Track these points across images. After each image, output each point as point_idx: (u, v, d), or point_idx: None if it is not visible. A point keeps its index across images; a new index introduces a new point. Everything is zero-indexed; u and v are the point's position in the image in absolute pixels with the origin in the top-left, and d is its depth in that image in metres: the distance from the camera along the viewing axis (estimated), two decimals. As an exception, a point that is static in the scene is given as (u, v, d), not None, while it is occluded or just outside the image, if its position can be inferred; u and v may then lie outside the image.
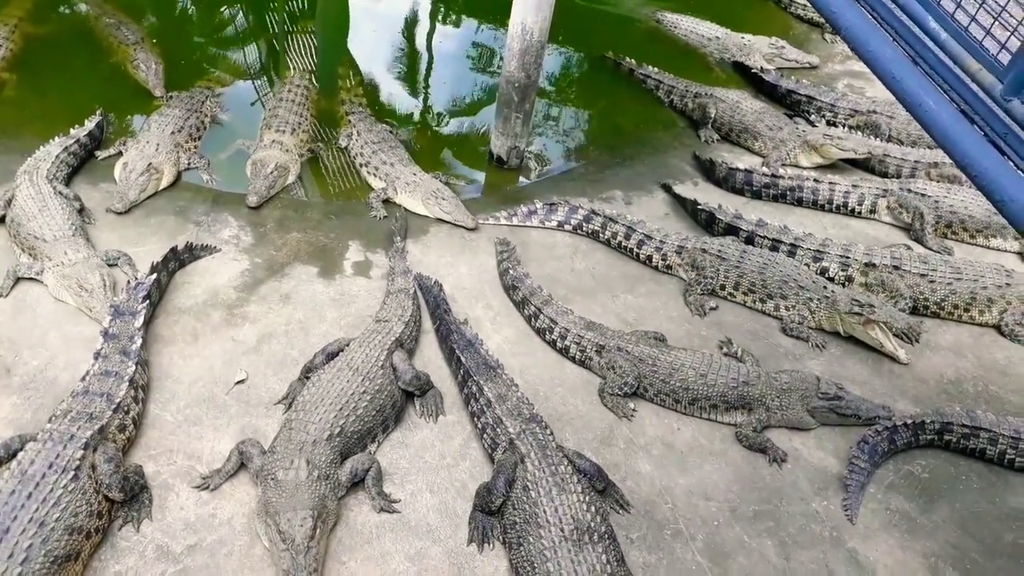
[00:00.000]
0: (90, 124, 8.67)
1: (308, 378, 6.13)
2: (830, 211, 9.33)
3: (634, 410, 6.50)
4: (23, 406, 5.81)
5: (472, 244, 8.20)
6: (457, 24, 12.98)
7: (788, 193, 9.38)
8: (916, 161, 9.83)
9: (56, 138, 8.30)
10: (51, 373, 6.10)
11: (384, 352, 6.25)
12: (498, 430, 5.80)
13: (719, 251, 7.94)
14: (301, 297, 7.21)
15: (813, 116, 10.93)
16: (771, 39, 12.35)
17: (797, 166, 9.98)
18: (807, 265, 8.07)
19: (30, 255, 7.02)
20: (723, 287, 7.87)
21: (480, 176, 9.77)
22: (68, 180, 8.13)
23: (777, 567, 5.44)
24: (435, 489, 5.67)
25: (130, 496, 5.19)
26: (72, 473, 4.91)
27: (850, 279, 8.07)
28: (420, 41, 12.26)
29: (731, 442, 6.35)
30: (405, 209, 8.50)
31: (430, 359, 6.78)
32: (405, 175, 8.66)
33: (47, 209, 7.24)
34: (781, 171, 9.51)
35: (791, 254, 8.17)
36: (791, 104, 11.19)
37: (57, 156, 8.03)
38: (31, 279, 6.85)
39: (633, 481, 5.92)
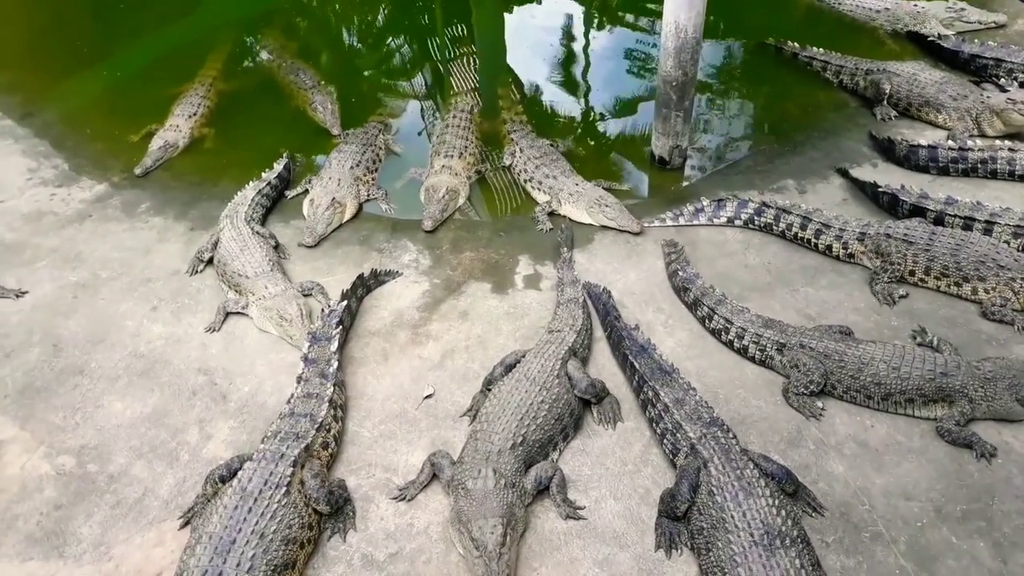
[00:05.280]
0: (278, 167, 9.42)
1: (489, 390, 6.36)
2: (1031, 182, 8.55)
3: (822, 409, 6.24)
4: (239, 428, 6.40)
5: (639, 248, 8.18)
6: (611, 29, 12.99)
7: (980, 166, 8.68)
8: None
9: (250, 183, 9.04)
10: (260, 398, 6.69)
11: (558, 362, 6.37)
12: (678, 435, 5.76)
13: (905, 235, 7.47)
14: (478, 313, 7.48)
15: (1003, 80, 10.03)
16: (948, 2, 11.50)
17: (983, 136, 9.22)
18: (1006, 243, 7.42)
19: (236, 291, 7.72)
20: (912, 273, 7.40)
21: (643, 179, 9.73)
22: (263, 220, 8.87)
23: (993, 571, 5.04)
24: (619, 495, 5.71)
25: (336, 509, 5.59)
26: (284, 488, 5.34)
27: (1060, 254, 7.34)
28: (576, 50, 12.39)
29: (932, 438, 5.95)
30: (570, 220, 8.63)
31: (604, 366, 6.84)
32: (568, 186, 8.79)
33: (247, 248, 7.95)
34: (970, 143, 8.81)
35: (987, 232, 7.54)
36: (976, 70, 10.34)
37: (252, 199, 8.78)
38: (238, 313, 7.54)
39: (825, 483, 5.68)
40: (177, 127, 10.34)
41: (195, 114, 10.59)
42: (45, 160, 10.04)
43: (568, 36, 12.44)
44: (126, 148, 10.21)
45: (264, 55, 11.91)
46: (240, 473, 5.46)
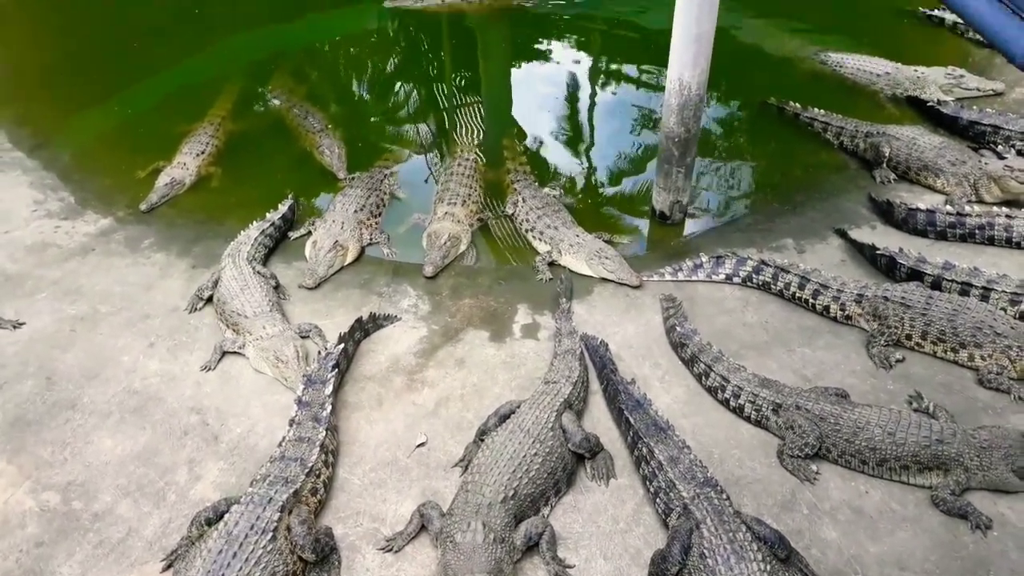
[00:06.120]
0: (283, 208, 9.50)
1: (482, 440, 6.31)
2: (1029, 249, 8.60)
3: (817, 472, 6.19)
4: (229, 470, 6.35)
5: (637, 302, 8.20)
6: (616, 84, 13.20)
7: (977, 232, 8.73)
8: None
9: (254, 222, 9.13)
10: (252, 440, 6.64)
11: (553, 414, 6.35)
12: (671, 494, 5.71)
13: (903, 298, 7.49)
14: (475, 361, 7.47)
15: (1001, 147, 10.14)
16: (947, 69, 11.67)
17: (981, 202, 9.30)
18: (1003, 310, 7.42)
19: (234, 331, 7.72)
20: (909, 337, 7.40)
21: (644, 233, 9.78)
22: (265, 260, 8.91)
23: (988, 647, 4.97)
24: (609, 555, 5.63)
25: (321, 557, 5.50)
26: (271, 534, 5.28)
27: (1057, 324, 7.35)
28: (581, 104, 12.57)
29: (927, 506, 5.89)
30: (570, 270, 8.66)
31: (599, 420, 6.81)
32: (569, 237, 8.85)
33: (248, 288, 7.97)
34: (968, 208, 8.89)
35: (984, 298, 7.56)
36: (975, 136, 10.46)
37: (255, 239, 8.84)
38: (235, 353, 7.53)
39: (818, 549, 5.61)
40: (184, 165, 10.43)
41: (203, 152, 10.69)
42: (52, 192, 10.11)
43: (573, 90, 12.62)
44: (133, 184, 10.29)
45: (274, 98, 12.05)
46: (226, 516, 5.41)
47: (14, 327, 7.82)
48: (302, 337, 7.63)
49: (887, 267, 8.34)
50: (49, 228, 9.40)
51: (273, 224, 9.19)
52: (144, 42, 13.20)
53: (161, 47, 13.15)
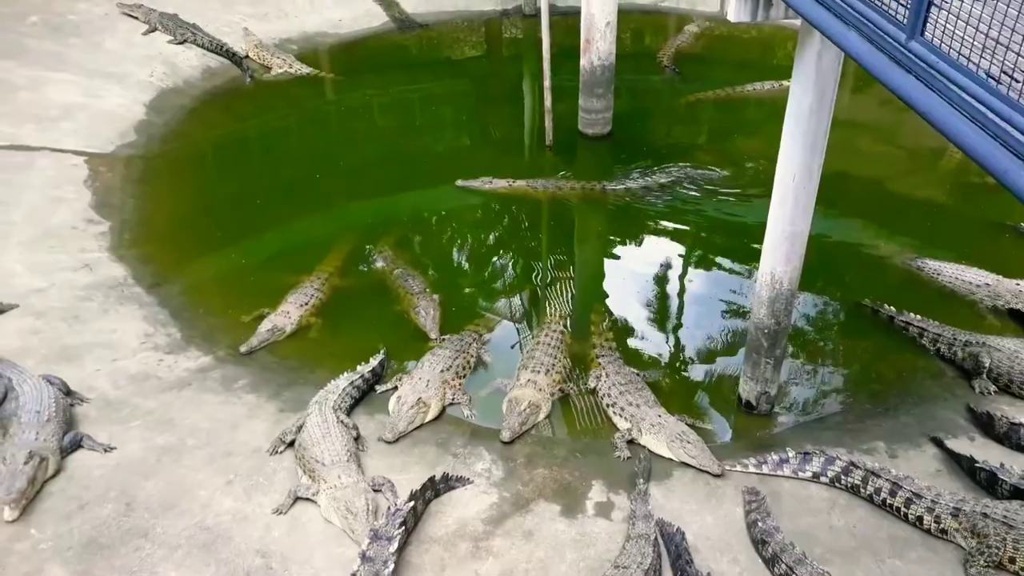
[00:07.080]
0: (374, 362, 9.84)
1: (544, 620, 6.06)
2: None
3: None
4: (284, 621, 6.26)
5: (718, 491, 7.94)
6: (707, 271, 13.42)
7: (1089, 455, 8.22)
8: None
9: (344, 373, 9.47)
10: (312, 590, 6.56)
11: (622, 601, 6.07)
12: None
13: (1005, 517, 7.03)
14: (543, 535, 7.29)
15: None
16: (1051, 284, 11.43)
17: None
18: (1122, 541, 6.86)
19: (310, 477, 7.82)
20: (1013, 560, 6.87)
21: (728, 421, 9.62)
22: (350, 410, 9.14)
23: None
24: None
25: None
26: None
27: None
28: (671, 287, 12.80)
29: None
30: (649, 451, 8.52)
31: (670, 613, 6.46)
32: (650, 417, 8.77)
33: (329, 436, 8.14)
34: (1079, 429, 8.42)
35: (1100, 526, 7.01)
36: (1085, 355, 10.05)
37: (343, 389, 9.12)
38: (307, 499, 7.58)
39: None
40: (287, 313, 10.97)
41: (307, 304, 11.24)
42: (161, 327, 10.72)
43: (664, 272, 12.88)
44: (236, 326, 10.85)
45: (379, 259, 12.72)
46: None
47: (105, 451, 8.14)
48: (374, 490, 7.67)
49: (987, 482, 7.89)
50: (153, 360, 9.92)
51: (362, 376, 9.49)
52: (267, 200, 14.31)
53: (282, 206, 14.22)
